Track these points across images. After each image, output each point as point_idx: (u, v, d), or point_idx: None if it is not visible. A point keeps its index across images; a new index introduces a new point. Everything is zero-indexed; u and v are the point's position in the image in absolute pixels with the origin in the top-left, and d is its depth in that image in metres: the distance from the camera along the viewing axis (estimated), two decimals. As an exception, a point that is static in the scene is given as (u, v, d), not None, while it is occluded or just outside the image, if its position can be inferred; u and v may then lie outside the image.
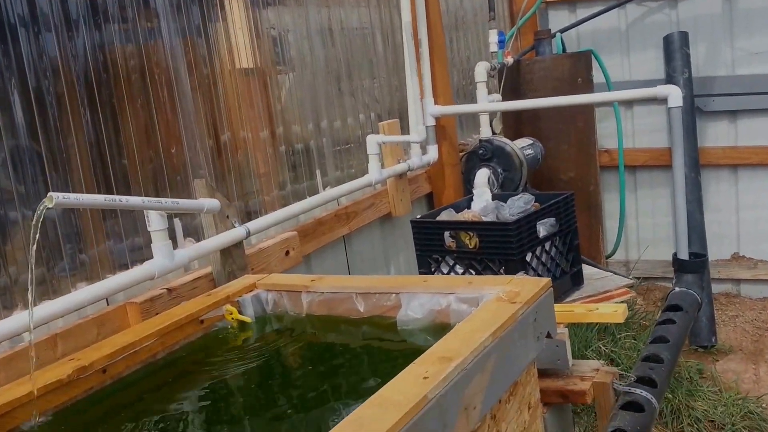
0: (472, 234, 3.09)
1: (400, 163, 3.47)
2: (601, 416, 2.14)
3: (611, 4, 4.62)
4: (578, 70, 4.23)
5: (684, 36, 4.43)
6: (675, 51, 4.42)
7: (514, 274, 2.94)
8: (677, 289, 2.99)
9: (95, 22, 2.14)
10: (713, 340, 4.09)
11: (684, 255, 3.11)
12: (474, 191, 3.51)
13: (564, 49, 4.42)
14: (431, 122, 3.64)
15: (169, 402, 1.68)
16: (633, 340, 3.59)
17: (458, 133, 4.14)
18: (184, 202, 2.22)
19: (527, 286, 1.71)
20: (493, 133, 4.17)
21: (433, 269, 3.23)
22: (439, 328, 1.74)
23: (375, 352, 1.86)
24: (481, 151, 3.82)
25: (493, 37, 4.15)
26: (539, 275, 3.13)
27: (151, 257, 2.08)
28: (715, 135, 4.58)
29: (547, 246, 3.21)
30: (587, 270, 3.60)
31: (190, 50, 2.49)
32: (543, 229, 3.19)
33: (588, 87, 4.26)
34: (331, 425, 1.19)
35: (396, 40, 3.73)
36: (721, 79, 4.50)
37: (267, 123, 2.86)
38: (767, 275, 4.61)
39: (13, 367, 1.76)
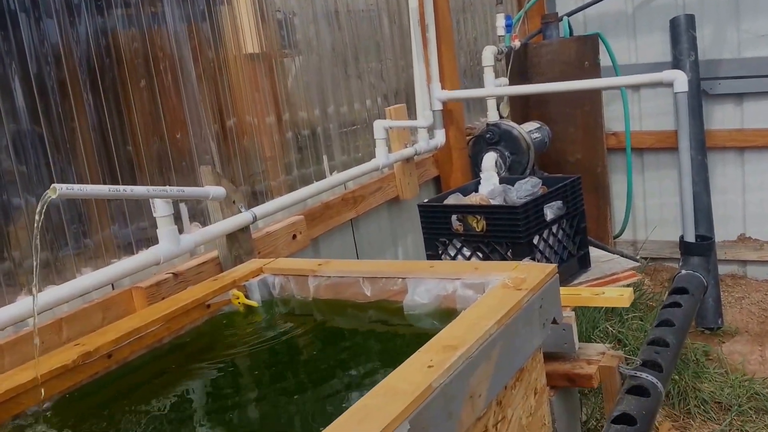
0: (479, 217, 3.09)
1: (407, 147, 3.46)
2: (608, 399, 2.15)
3: (618, -13, 4.59)
4: (585, 53, 4.20)
5: (690, 19, 4.39)
6: (681, 34, 4.39)
7: (521, 258, 2.94)
8: (683, 271, 2.98)
9: (97, 6, 2.13)
10: (719, 321, 4.08)
11: (690, 238, 3.11)
12: (481, 175, 3.51)
13: (571, 33, 4.38)
14: (438, 107, 3.63)
15: (174, 387, 1.69)
16: (640, 321, 3.59)
17: (465, 117, 4.13)
18: (189, 190, 2.20)
19: (533, 272, 1.71)
20: (501, 116, 4.16)
21: (440, 252, 3.23)
22: (445, 314, 1.74)
23: (381, 336, 1.86)
24: (488, 135, 3.81)
25: (501, 21, 4.15)
26: (546, 258, 3.13)
27: (156, 238, 2.07)
28: (722, 118, 4.56)
29: (554, 229, 3.21)
30: (594, 252, 3.59)
31: (194, 35, 2.47)
32: (550, 212, 3.19)
33: (595, 70, 4.24)
34: (337, 413, 1.19)
35: (403, 21, 3.71)
36: (727, 62, 4.48)
37: (273, 107, 2.85)
38: (773, 257, 4.60)
39: (17, 352, 1.76)
